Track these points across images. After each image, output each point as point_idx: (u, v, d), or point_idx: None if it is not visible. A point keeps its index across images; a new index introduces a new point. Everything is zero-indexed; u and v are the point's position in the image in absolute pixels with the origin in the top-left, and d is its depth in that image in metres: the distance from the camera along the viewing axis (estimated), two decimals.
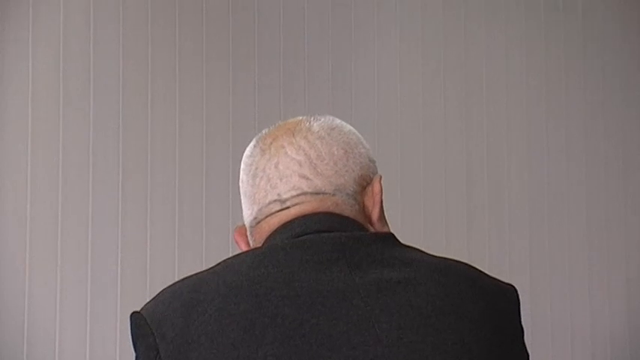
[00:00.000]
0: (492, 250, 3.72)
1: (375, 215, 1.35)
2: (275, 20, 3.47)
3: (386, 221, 1.38)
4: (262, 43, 3.45)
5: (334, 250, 1.25)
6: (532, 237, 3.81)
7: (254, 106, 3.40)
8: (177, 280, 1.27)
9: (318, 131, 1.35)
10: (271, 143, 1.35)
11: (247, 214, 1.37)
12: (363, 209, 1.35)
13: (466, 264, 1.31)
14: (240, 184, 1.38)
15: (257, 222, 1.35)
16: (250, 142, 1.41)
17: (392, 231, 1.35)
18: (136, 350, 1.23)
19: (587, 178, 3.92)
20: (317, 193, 1.32)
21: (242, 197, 1.38)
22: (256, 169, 1.35)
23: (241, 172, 1.38)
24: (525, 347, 1.30)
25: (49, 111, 3.12)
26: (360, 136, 1.39)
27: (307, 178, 1.32)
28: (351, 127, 1.39)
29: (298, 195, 1.32)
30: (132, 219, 3.19)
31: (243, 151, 1.41)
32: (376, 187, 1.36)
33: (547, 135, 3.89)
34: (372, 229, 1.35)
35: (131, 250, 3.18)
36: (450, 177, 3.71)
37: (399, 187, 3.57)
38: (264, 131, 1.39)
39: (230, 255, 1.30)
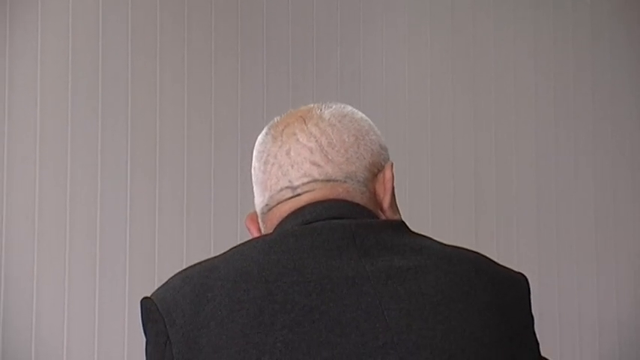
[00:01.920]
0: (500, 241, 3.72)
1: (385, 202, 1.35)
2: (283, 11, 3.47)
3: (397, 209, 1.38)
4: (271, 34, 3.44)
5: (344, 236, 1.25)
6: (540, 227, 3.81)
7: (262, 97, 3.40)
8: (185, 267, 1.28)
9: (329, 118, 1.35)
10: (283, 130, 1.36)
11: (259, 201, 1.37)
12: (375, 196, 1.35)
13: (477, 253, 1.31)
14: (253, 171, 1.39)
15: (268, 209, 1.35)
16: (260, 131, 1.41)
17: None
18: (146, 335, 1.23)
19: (595, 168, 3.92)
20: (328, 180, 1.32)
21: (254, 184, 1.38)
22: (268, 155, 1.36)
23: (253, 159, 1.39)
24: (535, 336, 1.30)
25: (57, 103, 3.12)
26: (371, 123, 1.39)
27: (318, 165, 1.32)
28: (363, 115, 1.40)
29: (309, 182, 1.32)
30: (140, 211, 3.19)
31: (252, 142, 1.41)
32: (387, 174, 1.36)
33: (555, 126, 3.88)
34: (383, 217, 1.35)
35: (139, 242, 3.18)
36: (458, 169, 3.71)
37: (407, 179, 3.57)
38: (276, 119, 1.40)
39: (238, 243, 1.30)
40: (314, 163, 1.33)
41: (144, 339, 1.24)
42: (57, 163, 3.10)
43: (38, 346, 3.03)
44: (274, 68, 3.43)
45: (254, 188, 1.38)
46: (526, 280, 1.32)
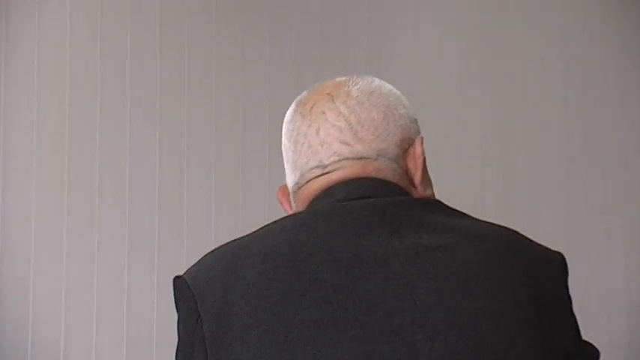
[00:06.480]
0: (528, 214, 3.71)
1: (417, 178, 1.35)
2: None
3: (430, 184, 1.38)
4: (299, 5, 3.44)
5: (374, 214, 1.25)
6: (568, 202, 3.79)
7: (291, 72, 3.40)
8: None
9: (357, 96, 1.34)
10: (311, 108, 1.35)
11: (290, 179, 1.37)
12: (407, 172, 1.34)
13: (512, 230, 1.29)
14: (283, 149, 1.38)
15: (299, 187, 1.35)
16: (288, 108, 1.41)
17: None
18: (178, 313, 1.24)
19: (625, 141, 3.89)
20: (359, 158, 1.32)
21: (285, 162, 1.38)
22: (297, 134, 1.35)
23: (283, 137, 1.39)
24: (574, 317, 1.27)
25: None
26: (400, 95, 1.38)
27: (348, 144, 1.32)
28: (391, 87, 1.38)
29: (340, 160, 1.32)
30: (168, 187, 3.20)
31: (280, 119, 1.41)
32: (418, 149, 1.35)
33: (585, 93, 3.86)
34: (415, 193, 1.35)
35: (168, 221, 3.18)
36: (486, 141, 3.70)
37: (435, 151, 3.56)
38: (303, 94, 1.39)
39: (267, 221, 1.30)
40: (344, 142, 1.32)
41: (174, 319, 1.25)
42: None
43: (67, 335, 3.05)
44: (303, 43, 3.43)
45: (285, 166, 1.38)
46: (563, 259, 1.29)
